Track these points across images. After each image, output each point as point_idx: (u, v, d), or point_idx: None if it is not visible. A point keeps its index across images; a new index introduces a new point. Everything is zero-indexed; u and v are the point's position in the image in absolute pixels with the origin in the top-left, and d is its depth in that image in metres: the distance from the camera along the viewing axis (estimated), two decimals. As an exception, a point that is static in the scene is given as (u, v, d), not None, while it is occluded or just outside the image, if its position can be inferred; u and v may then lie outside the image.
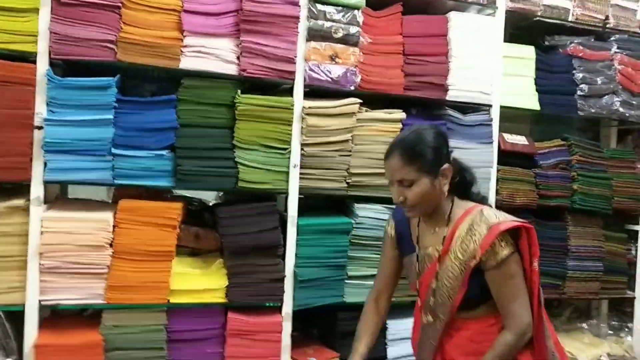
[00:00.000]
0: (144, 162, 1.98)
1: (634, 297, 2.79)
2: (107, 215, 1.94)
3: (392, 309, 2.31)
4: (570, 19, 2.54)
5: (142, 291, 1.97)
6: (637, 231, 2.77)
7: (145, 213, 1.98)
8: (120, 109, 1.95)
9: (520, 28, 2.57)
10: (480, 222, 1.47)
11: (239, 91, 2.05)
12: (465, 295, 1.49)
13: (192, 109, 2.02)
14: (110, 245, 1.94)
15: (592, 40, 2.63)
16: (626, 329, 2.88)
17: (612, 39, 2.66)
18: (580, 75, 2.56)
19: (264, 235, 2.09)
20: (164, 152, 2.00)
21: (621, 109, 2.64)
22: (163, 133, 2.00)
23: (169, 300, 2.01)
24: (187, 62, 2.00)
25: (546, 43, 2.59)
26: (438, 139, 1.49)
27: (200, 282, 2.06)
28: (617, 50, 2.65)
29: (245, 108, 2.04)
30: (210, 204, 2.41)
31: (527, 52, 2.47)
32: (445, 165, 1.47)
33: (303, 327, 2.43)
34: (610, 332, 2.86)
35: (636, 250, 2.75)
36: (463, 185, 1.55)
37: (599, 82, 2.59)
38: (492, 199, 2.40)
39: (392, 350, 2.30)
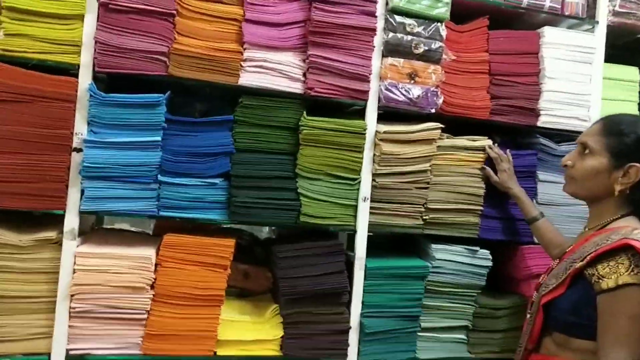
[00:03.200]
0: (194, 192, 1.72)
1: None
2: (149, 252, 1.68)
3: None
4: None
5: (185, 341, 1.69)
6: None
7: (193, 250, 1.70)
8: (168, 130, 1.71)
9: (618, 47, 2.25)
10: (621, 234, 1.29)
11: (304, 112, 1.78)
12: (556, 304, 1.35)
13: (251, 132, 1.76)
14: (152, 287, 1.67)
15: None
16: None
17: None
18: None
19: (328, 279, 1.79)
20: (217, 181, 1.74)
21: None
22: (217, 159, 1.74)
23: (215, 353, 1.72)
24: (247, 78, 1.75)
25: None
26: None
27: (251, 331, 1.77)
28: None
29: (310, 132, 1.77)
30: (262, 238, 2.13)
31: (631, 74, 2.14)
32: (637, 164, 1.33)
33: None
34: None
35: None
36: None
37: None
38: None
39: None
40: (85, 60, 1.64)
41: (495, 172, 1.93)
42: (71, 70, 1.65)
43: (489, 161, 1.96)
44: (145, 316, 1.66)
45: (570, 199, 2.01)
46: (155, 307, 1.67)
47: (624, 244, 1.25)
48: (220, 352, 1.73)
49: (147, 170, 1.68)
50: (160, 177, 1.69)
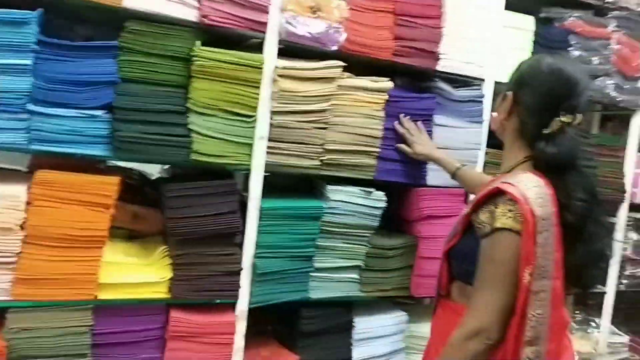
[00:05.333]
0: (72, 124, 1.55)
1: (604, 292, 2.66)
2: (19, 190, 1.51)
3: (360, 304, 2.09)
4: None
5: (62, 285, 1.57)
6: (614, 224, 2.62)
7: (71, 188, 1.56)
8: (42, 54, 1.51)
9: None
10: (501, 180, 1.28)
11: (198, 42, 1.65)
12: (454, 252, 1.38)
13: (138, 61, 1.60)
14: (22, 227, 1.52)
15: (591, 15, 2.38)
16: (592, 324, 2.75)
17: (610, 15, 2.43)
18: (577, 53, 2.32)
19: (220, 219, 1.72)
20: (98, 113, 1.58)
21: (613, 93, 2.43)
22: (98, 89, 1.57)
23: (96, 297, 1.62)
24: (134, 1, 1.57)
25: (543, 15, 2.31)
26: (551, 71, 1.29)
27: (137, 274, 1.68)
28: (615, 29, 2.42)
29: (204, 64, 1.64)
30: (153, 178, 2.01)
31: (527, 23, 2.18)
32: (508, 92, 1.36)
33: (256, 323, 2.11)
34: (577, 327, 2.73)
35: (612, 244, 2.59)
36: (547, 157, 1.28)
37: (595, 62, 2.36)
38: (475, 185, 2.14)
39: (358, 352, 2.03)
40: None
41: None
42: None
43: (390, 105, 1.94)
44: (14, 259, 1.52)
45: (462, 143, 2.10)
46: (27, 250, 1.53)
47: (497, 189, 1.25)
48: (103, 295, 1.63)
49: (15, 98, 1.49)
50: (30, 107, 1.51)
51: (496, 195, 1.25)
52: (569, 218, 1.25)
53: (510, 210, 1.21)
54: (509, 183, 1.24)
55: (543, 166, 1.29)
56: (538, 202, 1.21)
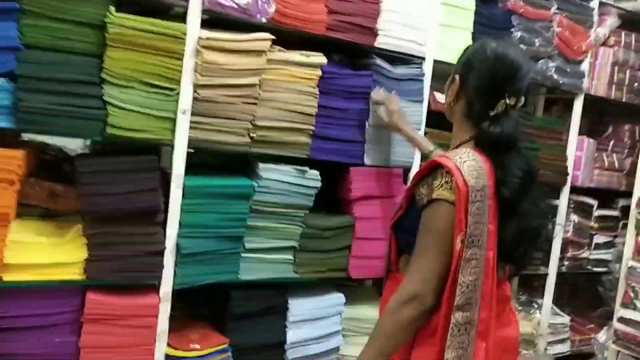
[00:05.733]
0: (-33, 92, 1.45)
1: (547, 274, 2.68)
2: None
3: (295, 286, 2.03)
4: (515, -34, 2.24)
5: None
6: (556, 206, 2.62)
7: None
8: None
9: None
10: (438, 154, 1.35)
11: (112, 8, 1.55)
12: (400, 226, 1.42)
13: (44, 26, 1.49)
14: None
15: (534, -5, 2.36)
16: (535, 305, 2.77)
17: (552, -4, 2.41)
18: (519, 34, 2.29)
19: (139, 197, 1.64)
20: (-1, 80, 1.47)
21: (555, 76, 2.42)
22: (-3, 54, 1.46)
23: (1, 278, 1.52)
24: (38, -42, 1.46)
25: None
26: (495, 55, 1.31)
27: (48, 254, 1.58)
28: (557, 11, 2.40)
29: (119, 31, 1.55)
30: (74, 154, 1.90)
31: (467, 2, 2.14)
32: (456, 75, 1.37)
33: (188, 306, 2.04)
34: (519, 307, 2.74)
35: (553, 226, 2.60)
36: (490, 136, 1.30)
37: (537, 44, 2.34)
38: (416, 163, 2.10)
39: (292, 334, 1.98)
40: None
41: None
42: None
43: (325, 82, 1.88)
44: None
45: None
46: None
47: (435, 162, 1.29)
48: (8, 277, 1.53)
49: None
50: None
51: (435, 168, 1.29)
52: (504, 193, 1.28)
53: (447, 182, 1.25)
54: (446, 157, 1.29)
55: (486, 145, 1.32)
56: (472, 174, 1.24)
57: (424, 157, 1.92)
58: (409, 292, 1.25)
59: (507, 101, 1.29)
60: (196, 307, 2.06)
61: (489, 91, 1.31)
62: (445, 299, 1.24)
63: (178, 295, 1.79)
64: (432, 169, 1.30)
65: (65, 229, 1.66)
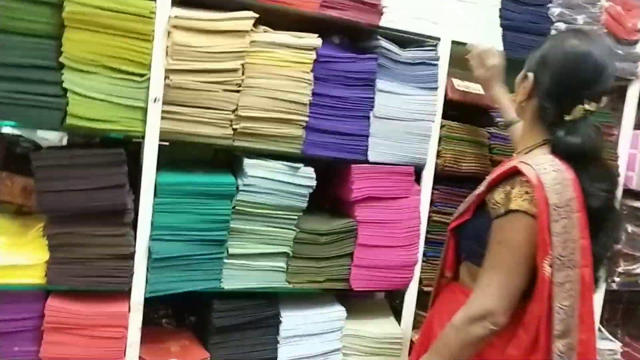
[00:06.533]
0: None
1: (592, 291, 2.33)
2: None
3: (289, 298, 1.83)
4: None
5: None
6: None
7: None
8: None
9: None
10: (518, 160, 1.23)
11: (68, -17, 1.39)
12: (463, 231, 1.35)
13: (-7, 5, 1.36)
14: None
15: (577, -36, 2.03)
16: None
17: (600, -35, 2.06)
18: (558, 10, 1.96)
19: (104, 194, 1.48)
20: (-57, 65, 1.35)
21: (604, 60, 2.07)
22: (-59, 36, 1.34)
23: (-48, 281, 1.41)
24: None
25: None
26: (576, 54, 1.21)
27: (6, 254, 1.45)
28: (606, -19, 2.06)
29: (77, 10, 1.39)
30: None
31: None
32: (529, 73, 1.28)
33: (177, 312, 1.89)
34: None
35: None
36: (568, 147, 1.22)
37: (580, 21, 2.00)
38: (430, 162, 1.84)
39: (285, 351, 1.77)
40: None
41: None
42: None
43: (320, 66, 1.65)
44: None
45: (411, 113, 1.79)
46: None
47: (514, 169, 1.20)
48: (-41, 279, 1.41)
49: None
50: None
51: (513, 175, 1.20)
52: (593, 204, 1.21)
53: (527, 192, 1.17)
54: (527, 163, 1.19)
55: (564, 154, 1.22)
56: (555, 188, 1.15)
57: (506, 124, 1.72)
58: (479, 308, 1.18)
59: (586, 106, 1.20)
60: (185, 315, 1.90)
61: (566, 95, 1.22)
62: (543, 329, 1.17)
63: (165, 301, 1.64)
64: (510, 175, 1.21)
65: (30, 228, 1.53)
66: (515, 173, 1.20)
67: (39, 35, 1.40)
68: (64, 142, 1.77)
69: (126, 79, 1.48)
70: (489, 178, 1.30)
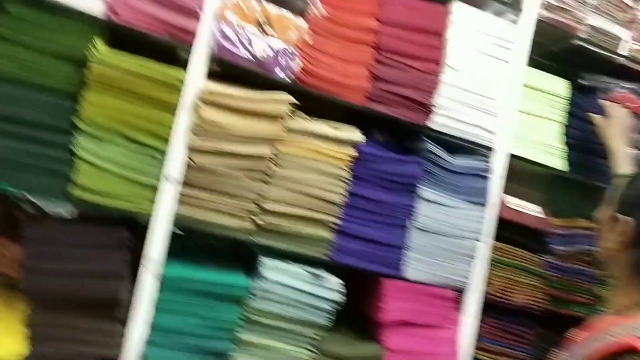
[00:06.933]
0: None
1: None
2: None
3: None
4: (621, 53, 1.79)
5: None
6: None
7: None
8: None
9: (548, 55, 1.81)
10: (623, 330, 1.00)
11: (99, 42, 1.28)
12: None
13: (13, 55, 1.24)
14: None
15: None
16: None
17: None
18: (628, 134, 1.79)
19: (97, 282, 1.26)
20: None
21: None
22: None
23: None
24: (20, -20, 1.25)
25: (583, 82, 1.83)
26: None
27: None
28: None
29: (104, 71, 1.27)
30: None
31: (559, 87, 1.70)
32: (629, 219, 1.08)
33: None
34: None
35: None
36: None
37: (650, 149, 1.82)
38: (475, 288, 1.58)
39: None
40: None
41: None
42: None
43: (360, 164, 1.48)
44: None
45: (456, 228, 1.57)
46: None
47: (628, 346, 0.97)
48: None
49: None
50: None
51: (626, 352, 0.98)
52: None
53: None
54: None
55: None
56: None
57: (614, 178, 1.46)
58: None
59: None
60: None
61: None
62: None
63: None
64: (620, 353, 0.98)
65: (14, 311, 1.30)
66: (628, 351, 0.97)
67: (54, 91, 1.27)
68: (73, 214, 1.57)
69: (143, 151, 1.32)
70: (580, 351, 1.06)
